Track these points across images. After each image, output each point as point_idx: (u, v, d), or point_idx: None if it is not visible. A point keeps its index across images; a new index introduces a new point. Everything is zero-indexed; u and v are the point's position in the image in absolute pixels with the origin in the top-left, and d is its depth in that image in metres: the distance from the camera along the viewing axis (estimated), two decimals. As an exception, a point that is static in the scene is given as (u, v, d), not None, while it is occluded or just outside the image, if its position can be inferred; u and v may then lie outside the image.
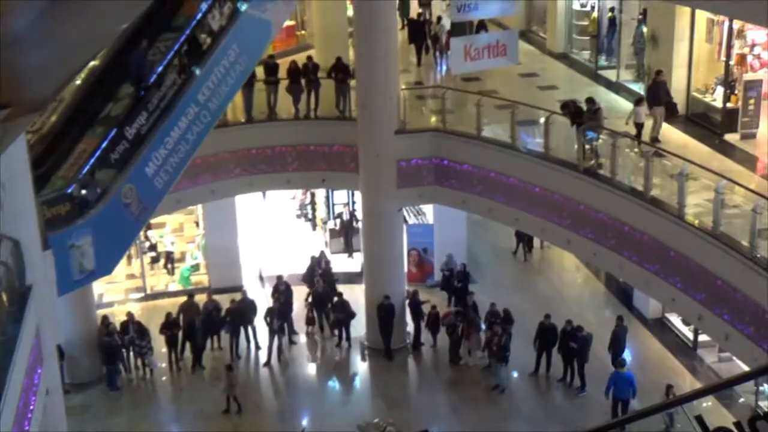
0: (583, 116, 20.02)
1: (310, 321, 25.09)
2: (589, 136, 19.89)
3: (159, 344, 23.64)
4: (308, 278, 25.97)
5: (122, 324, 23.39)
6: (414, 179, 23.39)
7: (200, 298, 24.82)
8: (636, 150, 19.56)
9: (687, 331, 23.89)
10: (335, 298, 25.03)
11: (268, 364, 23.86)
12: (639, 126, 20.96)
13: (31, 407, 12.78)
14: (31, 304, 13.53)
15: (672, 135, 21.51)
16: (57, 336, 15.18)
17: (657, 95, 21.54)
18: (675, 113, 22.32)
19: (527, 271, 28.31)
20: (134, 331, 23.17)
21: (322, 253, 27.22)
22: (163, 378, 23.43)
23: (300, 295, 25.40)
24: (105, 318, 23.77)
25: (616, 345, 22.25)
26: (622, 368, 20.69)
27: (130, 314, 23.86)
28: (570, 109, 20.27)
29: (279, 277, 25.15)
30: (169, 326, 23.49)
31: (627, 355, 21.61)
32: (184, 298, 24.80)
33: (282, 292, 24.72)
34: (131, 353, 23.47)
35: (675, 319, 24.35)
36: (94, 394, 22.82)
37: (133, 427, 21.63)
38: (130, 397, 22.79)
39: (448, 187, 23.21)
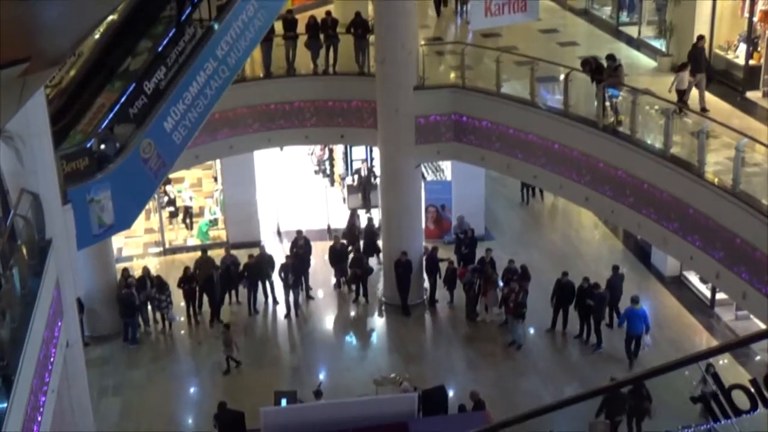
0: (604, 73, 19.86)
1: (351, 279, 24.91)
2: (609, 92, 19.75)
3: (177, 298, 23.82)
4: (348, 234, 26.05)
5: (139, 278, 23.54)
6: (432, 135, 23.32)
7: (218, 253, 24.95)
8: (656, 107, 19.41)
9: (704, 289, 23.87)
10: (352, 254, 25.10)
11: (288, 316, 24.04)
12: (681, 93, 20.24)
13: (52, 359, 12.94)
14: (51, 257, 13.65)
15: (693, 92, 21.32)
16: (77, 289, 15.32)
17: (698, 62, 20.70)
18: (712, 79, 21.70)
19: (545, 228, 28.28)
20: (154, 284, 23.32)
21: (355, 211, 27.13)
22: (182, 332, 23.64)
23: (318, 251, 25.44)
24: (125, 271, 23.94)
25: (612, 294, 22.46)
26: (636, 304, 21.15)
27: (145, 269, 23.98)
28: (590, 65, 20.11)
29: (298, 232, 25.21)
30: (186, 280, 23.65)
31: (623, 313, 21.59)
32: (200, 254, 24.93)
33: (301, 246, 24.81)
34: (149, 307, 23.63)
35: (693, 277, 24.32)
36: (114, 347, 23.05)
37: (152, 379, 21.87)
38: (149, 350, 23.01)
39: (466, 144, 23.13)
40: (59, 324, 13.91)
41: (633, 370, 21.08)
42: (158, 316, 23.69)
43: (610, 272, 22.95)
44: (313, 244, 25.29)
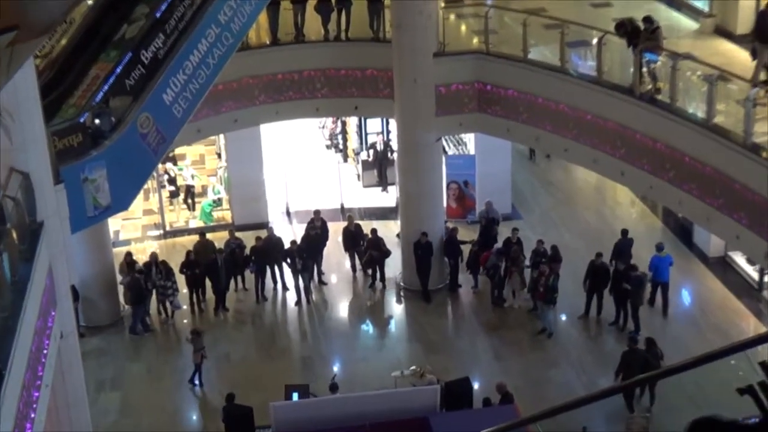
0: (640, 36, 19.73)
1: (367, 263, 24.96)
2: (646, 58, 19.64)
3: (179, 285, 23.89)
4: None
5: (145, 264, 23.63)
6: (454, 106, 23.27)
7: (222, 236, 25.02)
8: (698, 73, 19.28)
9: (752, 271, 23.79)
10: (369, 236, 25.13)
11: (299, 302, 24.11)
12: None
13: (45, 351, 13.02)
14: (43, 241, 13.71)
15: (737, 55, 21.14)
16: (71, 276, 15.39)
17: (764, 31, 18.85)
18: None
19: (578, 206, 28.22)
20: (159, 271, 23.37)
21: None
22: (185, 321, 23.74)
23: (332, 232, 25.44)
24: (129, 255, 24.01)
25: (620, 257, 22.86)
26: (661, 252, 22.66)
27: (154, 255, 24.05)
28: (626, 28, 19.97)
29: (315, 213, 25.23)
30: (189, 266, 23.71)
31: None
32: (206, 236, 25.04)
33: (318, 228, 24.84)
34: (153, 296, 23.71)
35: (739, 258, 24.24)
36: (111, 338, 23.19)
37: (152, 372, 22.00)
38: (150, 340, 23.14)
39: (491, 115, 23.07)
40: (52, 313, 13.99)
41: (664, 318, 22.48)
42: (161, 305, 23.76)
43: (649, 255, 22.92)
44: (331, 225, 25.35)
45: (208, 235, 25.45)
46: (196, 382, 21.47)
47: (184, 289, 24.00)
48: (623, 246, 23.34)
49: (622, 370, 19.53)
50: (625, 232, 23.79)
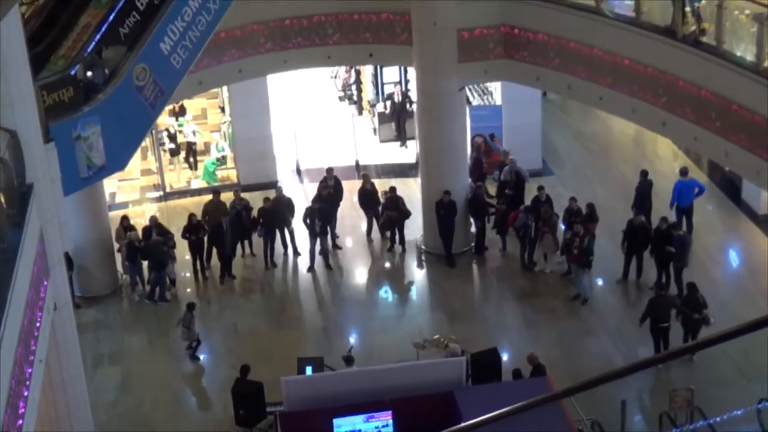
0: (683, -28, 19.60)
1: (385, 225, 25.04)
2: (689, -5, 19.53)
3: (182, 250, 23.98)
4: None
5: (144, 229, 23.69)
6: (478, 52, 23.19)
7: (227, 197, 25.08)
8: (747, 12, 19.13)
9: (806, 229, 23.75)
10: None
11: (312, 269, 24.18)
12: None
13: (38, 324, 13.10)
14: (33, 205, 13.75)
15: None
16: (64, 243, 15.44)
17: None
18: None
19: (614, 160, 28.15)
20: (157, 234, 23.44)
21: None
22: (188, 290, 23.86)
23: (346, 192, 25.47)
24: (126, 219, 24.03)
25: (641, 203, 23.60)
26: (684, 176, 23.85)
27: (153, 219, 24.08)
28: (666, -37, 19.84)
29: (328, 170, 25.25)
30: (192, 230, 23.77)
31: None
32: (208, 197, 25.07)
33: (331, 187, 24.87)
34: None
35: (792, 215, 24.21)
36: (109, 309, 23.34)
37: (154, 345, 22.16)
38: (150, 312, 23.26)
39: (519, 61, 22.99)
40: (45, 283, 14.06)
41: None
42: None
43: (694, 212, 22.85)
44: (345, 184, 25.39)
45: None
46: (198, 355, 21.65)
47: (186, 256, 24.09)
48: (644, 189, 23.88)
49: (648, 317, 20.35)
50: (644, 173, 24.36)
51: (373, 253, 25.12)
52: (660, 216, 22.61)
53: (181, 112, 30.06)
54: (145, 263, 23.45)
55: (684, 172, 24.08)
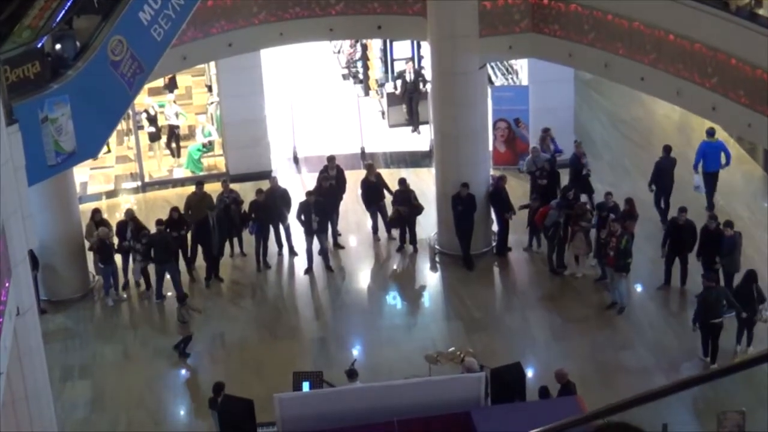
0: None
1: (394, 221, 25.00)
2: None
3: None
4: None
5: (119, 225, 23.70)
6: (502, 24, 23.20)
7: (214, 188, 25.10)
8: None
9: None
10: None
11: (310, 271, 24.21)
12: None
13: (-2, 332, 13.13)
14: (-6, 196, 13.77)
15: None
16: (29, 239, 15.48)
17: None
18: None
19: (656, 149, 28.04)
20: (130, 230, 23.46)
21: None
22: (169, 293, 23.88)
23: (351, 183, 25.49)
24: (97, 212, 24.04)
25: (661, 182, 24.63)
26: (711, 137, 24.79)
27: (129, 212, 24.05)
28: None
29: (330, 159, 25.26)
30: (174, 225, 23.79)
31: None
32: (192, 188, 25.09)
33: (332, 177, 24.88)
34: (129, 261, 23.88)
35: None
36: (80, 315, 23.36)
37: (130, 357, 22.18)
38: (126, 318, 23.32)
39: (548, 35, 23.00)
40: (6, 285, 14.09)
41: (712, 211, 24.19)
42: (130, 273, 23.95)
43: (746, 209, 22.87)
44: (349, 174, 25.41)
45: (197, 188, 25.48)
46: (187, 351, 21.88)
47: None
48: (666, 165, 24.53)
49: (700, 318, 20.62)
50: (667, 148, 25.03)
51: (379, 253, 25.15)
52: (707, 213, 22.61)
53: (171, 85, 30.11)
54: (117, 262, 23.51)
55: (711, 133, 24.78)
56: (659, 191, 24.84)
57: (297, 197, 24.76)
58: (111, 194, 27.59)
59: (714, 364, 20.55)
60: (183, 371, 21.76)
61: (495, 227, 24.73)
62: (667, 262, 23.00)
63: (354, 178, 25.76)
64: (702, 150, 25.04)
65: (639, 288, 23.37)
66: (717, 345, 20.53)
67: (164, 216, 24.11)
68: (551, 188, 24.65)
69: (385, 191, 24.95)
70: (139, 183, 27.87)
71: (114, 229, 23.75)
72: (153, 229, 23.65)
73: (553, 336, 22.14)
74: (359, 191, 25.47)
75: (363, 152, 28.39)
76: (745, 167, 27.19)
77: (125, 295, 23.77)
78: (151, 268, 23.64)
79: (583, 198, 24.63)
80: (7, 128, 14.78)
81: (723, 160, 25.02)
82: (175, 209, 24.14)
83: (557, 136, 26.30)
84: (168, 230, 23.50)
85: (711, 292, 20.58)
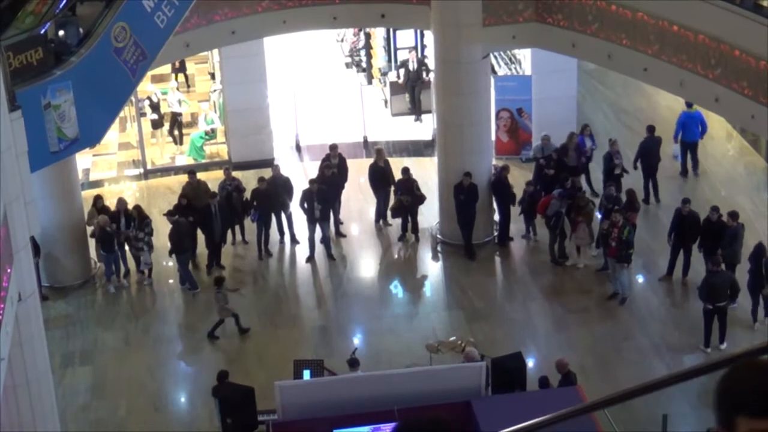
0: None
1: (396, 210, 24.93)
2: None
3: (163, 237, 23.89)
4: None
5: (112, 215, 23.60)
6: (506, 14, 23.17)
7: (217, 176, 25.08)
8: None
9: None
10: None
11: (311, 259, 24.20)
12: None
13: (0, 318, 13.15)
14: (-4, 182, 13.78)
15: None
16: (31, 226, 15.50)
17: None
18: None
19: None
20: (134, 220, 23.39)
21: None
22: (170, 281, 23.90)
23: (353, 172, 25.48)
24: (99, 199, 23.93)
25: (646, 162, 25.16)
26: (690, 108, 25.32)
27: (122, 201, 23.98)
28: None
29: (332, 147, 25.26)
30: (184, 212, 23.68)
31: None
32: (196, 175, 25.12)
33: (334, 166, 24.87)
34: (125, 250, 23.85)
35: None
36: (81, 302, 23.37)
37: (131, 343, 22.19)
38: (128, 305, 23.32)
39: (552, 25, 22.97)
40: (8, 271, 14.11)
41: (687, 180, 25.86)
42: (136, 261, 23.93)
43: (749, 201, 22.83)
44: (351, 163, 25.38)
45: (200, 175, 25.41)
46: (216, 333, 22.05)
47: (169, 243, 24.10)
48: (648, 147, 25.01)
49: (706, 297, 20.73)
50: (651, 128, 25.59)
51: (381, 242, 25.14)
52: (711, 206, 22.58)
53: (180, 68, 30.10)
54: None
55: (690, 104, 25.28)
56: (645, 170, 25.24)
57: (299, 185, 24.76)
58: (113, 181, 27.56)
59: (723, 344, 20.81)
60: (185, 358, 21.75)
61: (497, 217, 24.72)
62: (671, 252, 22.97)
63: (356, 167, 25.75)
64: (681, 120, 26.04)
65: (641, 279, 23.37)
66: (725, 325, 20.80)
67: (166, 204, 24.10)
68: (556, 178, 24.63)
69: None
70: (142, 170, 27.86)
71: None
72: (153, 219, 23.66)
73: (555, 326, 22.15)
74: (362, 179, 25.42)
75: (365, 141, 28.37)
76: (747, 159, 27.16)
77: (126, 283, 23.78)
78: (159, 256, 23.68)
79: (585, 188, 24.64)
80: (9, 114, 14.79)
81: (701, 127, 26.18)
82: (183, 196, 24.07)
83: (560, 127, 26.25)
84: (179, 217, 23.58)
85: (717, 276, 20.72)
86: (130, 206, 24.05)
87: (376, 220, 25.43)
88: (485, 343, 20.41)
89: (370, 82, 31.23)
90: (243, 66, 27.07)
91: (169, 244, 23.35)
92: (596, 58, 23.50)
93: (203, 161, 27.88)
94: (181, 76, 30.78)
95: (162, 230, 23.95)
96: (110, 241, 23.25)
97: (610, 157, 24.96)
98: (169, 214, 23.61)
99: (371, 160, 25.54)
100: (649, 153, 25.18)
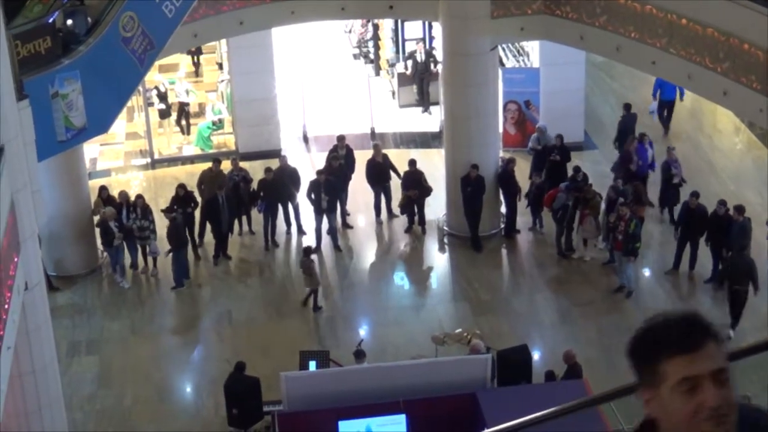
0: None
1: (404, 208, 24.95)
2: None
3: (164, 229, 23.83)
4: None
5: (115, 205, 23.64)
6: (514, 5, 23.14)
7: (224, 166, 25.10)
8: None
9: None
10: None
11: (318, 250, 24.20)
12: None
13: (6, 306, 13.18)
14: (4, 172, 13.80)
15: None
16: (38, 214, 15.52)
17: None
18: None
19: (668, 134, 28.07)
20: (136, 209, 23.36)
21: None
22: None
23: (360, 163, 25.46)
24: (104, 189, 23.91)
25: (623, 140, 25.42)
26: None
27: (123, 194, 23.92)
28: None
29: (339, 138, 25.26)
30: (182, 202, 23.72)
31: None
32: (203, 166, 25.11)
33: (342, 157, 24.87)
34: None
35: None
36: (87, 291, 23.39)
37: (137, 333, 22.22)
38: (134, 294, 23.33)
39: (560, 17, 22.94)
40: (15, 260, 14.14)
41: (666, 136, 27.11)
42: (142, 251, 23.92)
43: (756, 194, 22.79)
44: (358, 154, 25.37)
45: (206, 166, 25.30)
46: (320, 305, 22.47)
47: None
48: (628, 121, 25.89)
49: (726, 277, 21.17)
50: (627, 106, 26.69)
51: (388, 234, 25.13)
52: (717, 199, 22.57)
53: (197, 50, 30.15)
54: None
55: None
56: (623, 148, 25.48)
57: (306, 176, 24.74)
58: (120, 171, 27.57)
59: (735, 326, 20.92)
60: (190, 348, 21.77)
61: (503, 209, 24.71)
62: (677, 246, 22.95)
63: (363, 158, 25.72)
64: (658, 82, 27.16)
65: (647, 272, 23.35)
66: (740, 312, 20.88)
67: (170, 193, 24.06)
68: (563, 165, 24.62)
69: (393, 173, 24.96)
70: (149, 160, 27.86)
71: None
72: (155, 210, 23.68)
73: (561, 319, 22.16)
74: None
75: (373, 132, 28.35)
76: (755, 153, 27.11)
77: (128, 284, 23.69)
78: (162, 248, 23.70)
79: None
80: (17, 103, 14.81)
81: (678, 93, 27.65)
82: (181, 186, 24.05)
83: (568, 119, 26.27)
84: (177, 209, 23.51)
85: (743, 258, 20.89)
86: (133, 196, 23.99)
87: (376, 215, 25.33)
88: (491, 335, 20.43)
89: (377, 74, 31.21)
90: (251, 56, 27.06)
91: (168, 245, 23.34)
92: (604, 51, 23.47)
93: (210, 151, 27.87)
94: (192, 63, 30.83)
95: (162, 222, 23.87)
96: (111, 236, 23.14)
97: (668, 165, 24.58)
98: (167, 211, 23.59)
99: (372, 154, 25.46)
100: (627, 131, 25.70)
